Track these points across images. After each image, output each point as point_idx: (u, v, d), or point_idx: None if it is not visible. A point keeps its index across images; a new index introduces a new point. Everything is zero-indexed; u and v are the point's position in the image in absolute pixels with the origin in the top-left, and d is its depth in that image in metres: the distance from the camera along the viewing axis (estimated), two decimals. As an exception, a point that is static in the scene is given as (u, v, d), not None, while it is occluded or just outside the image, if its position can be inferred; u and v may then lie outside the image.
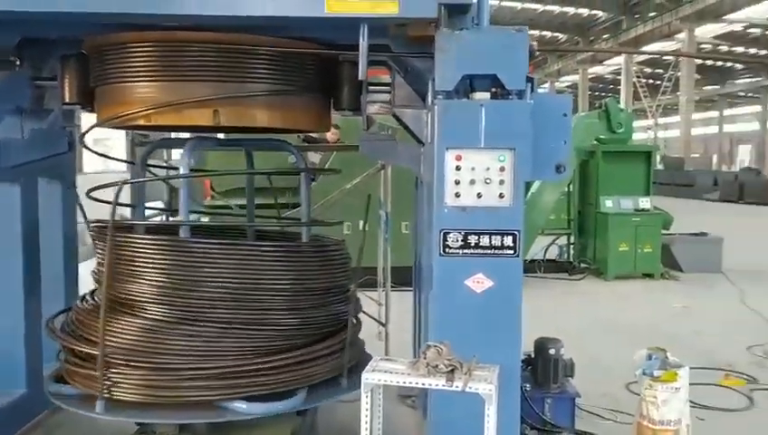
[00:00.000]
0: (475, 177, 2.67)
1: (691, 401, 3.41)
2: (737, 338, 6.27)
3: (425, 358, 2.41)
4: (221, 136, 4.37)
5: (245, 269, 3.08)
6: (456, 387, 2.30)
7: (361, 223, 6.73)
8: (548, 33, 50.66)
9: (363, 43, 2.77)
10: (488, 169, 2.66)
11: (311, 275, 3.27)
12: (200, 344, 2.96)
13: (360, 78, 2.90)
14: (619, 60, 49.18)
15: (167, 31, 2.91)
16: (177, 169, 3.71)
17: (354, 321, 3.53)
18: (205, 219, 6.72)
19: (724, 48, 51.29)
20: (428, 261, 2.90)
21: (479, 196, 2.67)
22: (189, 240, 3.14)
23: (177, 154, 6.19)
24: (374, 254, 5.79)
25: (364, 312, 3.91)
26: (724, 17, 40.12)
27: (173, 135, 4.69)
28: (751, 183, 28.12)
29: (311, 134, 7.26)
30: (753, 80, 59.85)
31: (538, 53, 3.03)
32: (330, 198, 5.97)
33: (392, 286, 5.61)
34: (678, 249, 10.03)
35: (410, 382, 2.39)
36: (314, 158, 8.42)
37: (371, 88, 3.44)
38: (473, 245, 2.69)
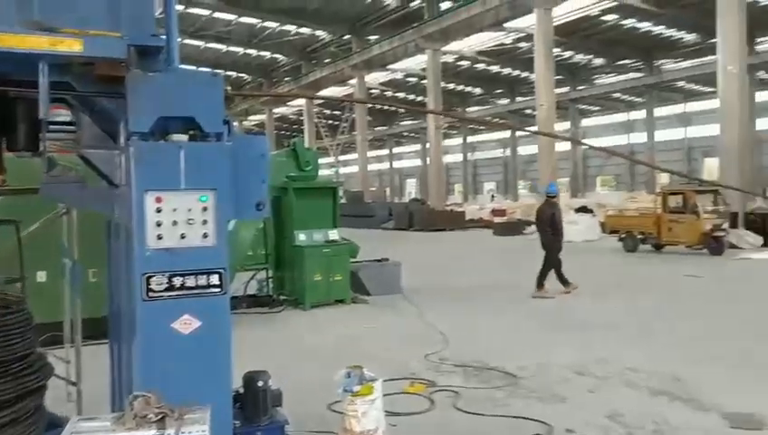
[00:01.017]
0: (178, 218, 2.65)
1: (385, 410, 3.80)
2: (417, 349, 7.12)
3: (132, 410, 2.30)
4: None
5: None
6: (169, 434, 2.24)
7: (41, 274, 6.05)
8: (233, 74, 51.65)
9: (43, 81, 2.55)
10: (190, 210, 2.67)
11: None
12: None
13: (41, 117, 2.66)
14: (302, 101, 52.29)
15: None
16: None
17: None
18: None
19: (389, 93, 58.07)
20: (130, 307, 2.77)
21: (183, 237, 2.65)
22: None
23: None
24: (59, 306, 5.24)
25: (57, 375, 3.53)
26: (388, 66, 45.53)
27: None
28: (418, 212, 32.16)
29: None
30: (414, 122, 68.79)
31: (240, 97, 3.15)
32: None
33: (82, 341, 5.14)
34: (365, 275, 11.01)
35: (118, 439, 2.25)
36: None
37: (53, 127, 3.19)
38: (178, 286, 2.66)
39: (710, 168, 50.84)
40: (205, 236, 2.69)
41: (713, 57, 21.07)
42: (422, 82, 42.28)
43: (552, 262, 11.17)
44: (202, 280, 2.70)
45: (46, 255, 5.50)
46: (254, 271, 10.61)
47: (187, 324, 2.69)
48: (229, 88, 3.48)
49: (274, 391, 3.93)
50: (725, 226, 17.23)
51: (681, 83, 53.00)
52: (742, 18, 19.80)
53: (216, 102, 2.76)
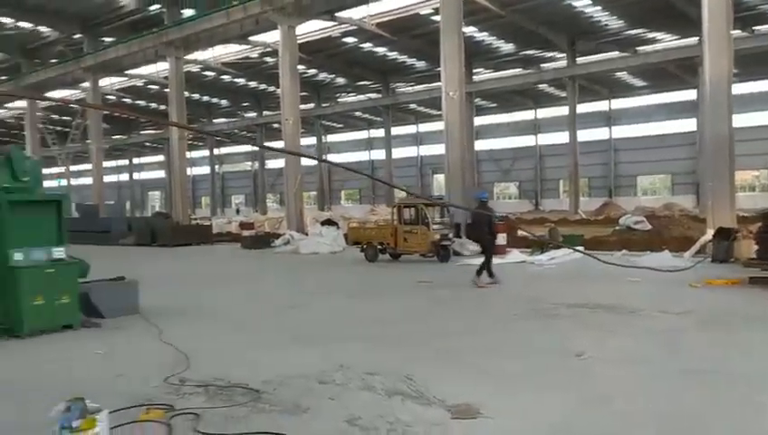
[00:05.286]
0: None
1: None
2: (156, 372, 6.69)
3: None
4: None
5: None
6: None
7: None
8: (-67, 67, 44.27)
9: None
10: None
11: None
12: None
13: None
14: (23, 104, 46.66)
15: None
16: None
17: None
18: None
19: (128, 100, 54.55)
20: None
21: None
22: None
23: None
24: None
25: None
26: (126, 72, 42.71)
27: None
28: (161, 227, 30.54)
29: None
30: (157, 132, 65.43)
31: None
32: None
33: None
34: (97, 296, 10.08)
35: None
36: None
37: None
38: None
39: (440, 182, 56.59)
40: None
41: (439, 83, 23.41)
42: (165, 90, 40.38)
43: (489, 257, 13.11)
44: None
45: None
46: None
47: None
48: None
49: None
50: (451, 235, 19.21)
51: (413, 106, 58.22)
52: (461, 50, 22.35)
53: None
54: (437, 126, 41.68)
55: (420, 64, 46.97)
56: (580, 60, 42.97)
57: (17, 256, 8.79)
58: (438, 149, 29.19)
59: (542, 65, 46.83)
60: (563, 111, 46.80)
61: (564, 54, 42.98)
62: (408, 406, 5.48)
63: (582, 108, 48.08)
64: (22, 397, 6.04)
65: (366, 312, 10.68)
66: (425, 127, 63.73)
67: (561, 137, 48.01)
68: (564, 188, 53.59)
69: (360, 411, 5.31)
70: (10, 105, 50.22)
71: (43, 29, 40.01)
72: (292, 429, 4.89)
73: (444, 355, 7.39)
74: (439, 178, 57.07)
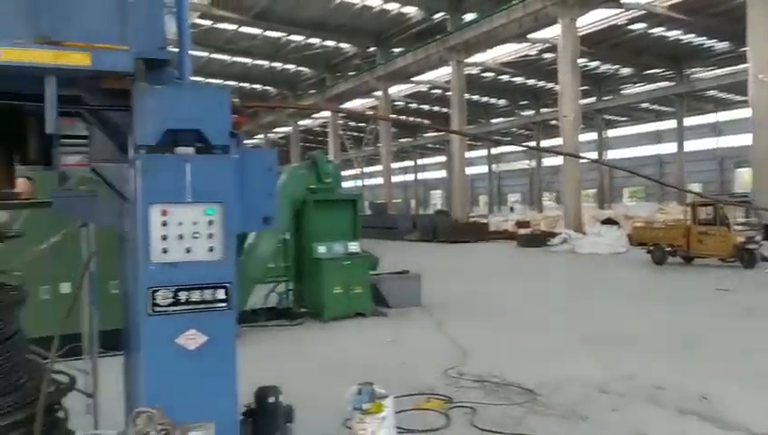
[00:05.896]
0: (183, 231, 2.63)
1: (399, 427, 3.72)
2: (436, 363, 7.01)
3: (135, 426, 2.27)
4: None
5: None
6: (171, 452, 2.20)
7: (65, 286, 6.11)
8: (259, 87, 52.19)
9: (50, 95, 2.55)
10: (196, 223, 2.65)
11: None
12: None
13: (48, 131, 2.65)
14: (327, 114, 52.57)
15: None
16: None
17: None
18: None
19: (414, 105, 58.14)
20: (136, 321, 2.76)
21: (188, 250, 2.63)
22: None
23: None
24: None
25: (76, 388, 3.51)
26: (412, 78, 45.59)
27: None
28: (441, 224, 32.01)
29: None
30: (439, 134, 68.62)
31: (249, 109, 3.14)
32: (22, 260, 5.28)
33: (101, 352, 5.14)
34: (385, 287, 10.93)
35: (119, 456, 2.22)
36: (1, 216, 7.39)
37: (66, 141, 3.21)
38: (184, 301, 2.63)
39: (742, 178, 49.93)
40: (211, 249, 2.67)
41: (744, 65, 20.64)
42: (446, 94, 42.19)
43: None
44: (208, 294, 2.67)
45: (71, 266, 5.55)
46: (274, 283, 10.60)
47: (192, 339, 2.66)
48: (237, 100, 3.42)
49: (285, 408, 3.88)
50: (758, 238, 16.80)
51: (712, 92, 52.19)
52: (772, 26, 19.41)
53: (221, 116, 2.74)
54: (741, 114, 36.87)
55: (721, 46, 41.92)
56: None
57: (321, 250, 9.97)
58: (743, 139, 25.69)
59: None
60: None
61: None
62: (705, 429, 4.91)
63: None
64: (331, 372, 6.79)
65: (653, 319, 9.86)
66: (725, 115, 56.68)
67: None
68: None
69: (647, 428, 4.91)
70: (317, 115, 57.18)
71: (343, 45, 44.73)
72: (571, 436, 4.71)
73: (747, 375, 6.48)
74: (743, 173, 50.32)
